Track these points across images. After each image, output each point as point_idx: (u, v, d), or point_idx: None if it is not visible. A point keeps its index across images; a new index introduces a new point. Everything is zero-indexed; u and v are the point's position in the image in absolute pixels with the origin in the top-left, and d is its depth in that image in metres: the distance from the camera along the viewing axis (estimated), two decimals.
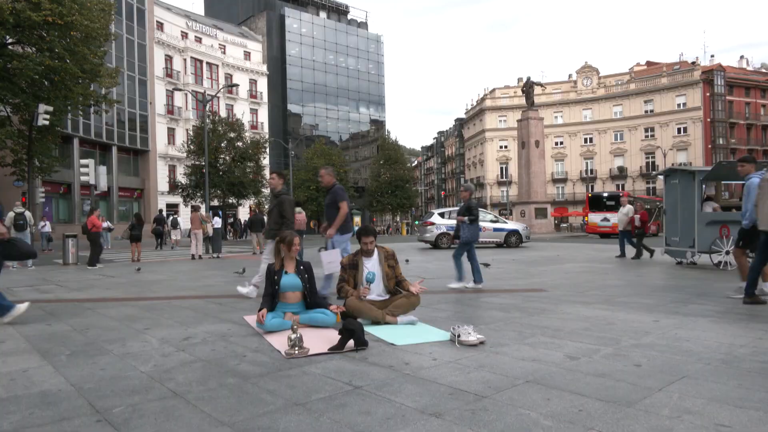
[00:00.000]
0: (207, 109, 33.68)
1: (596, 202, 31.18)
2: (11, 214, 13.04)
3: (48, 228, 23.82)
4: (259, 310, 4.63)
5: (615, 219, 19.46)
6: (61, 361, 3.71)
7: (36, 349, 4.07)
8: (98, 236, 13.51)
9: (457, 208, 22.43)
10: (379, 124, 69.58)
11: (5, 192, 29.05)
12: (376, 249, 5.27)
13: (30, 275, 10.83)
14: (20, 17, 18.17)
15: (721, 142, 57.82)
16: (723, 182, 12.51)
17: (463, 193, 8.24)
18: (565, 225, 54.87)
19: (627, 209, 13.76)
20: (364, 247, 5.21)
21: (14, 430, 2.44)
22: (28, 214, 13.42)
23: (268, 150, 45.28)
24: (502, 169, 68.30)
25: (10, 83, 19.80)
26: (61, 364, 3.60)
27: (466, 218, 7.73)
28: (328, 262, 6.11)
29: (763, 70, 65.59)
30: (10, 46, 20.56)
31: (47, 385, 3.13)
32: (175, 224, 25.40)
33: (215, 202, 37.54)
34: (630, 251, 13.41)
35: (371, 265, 5.16)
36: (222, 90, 48.49)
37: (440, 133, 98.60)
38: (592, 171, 63.44)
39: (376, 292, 5.08)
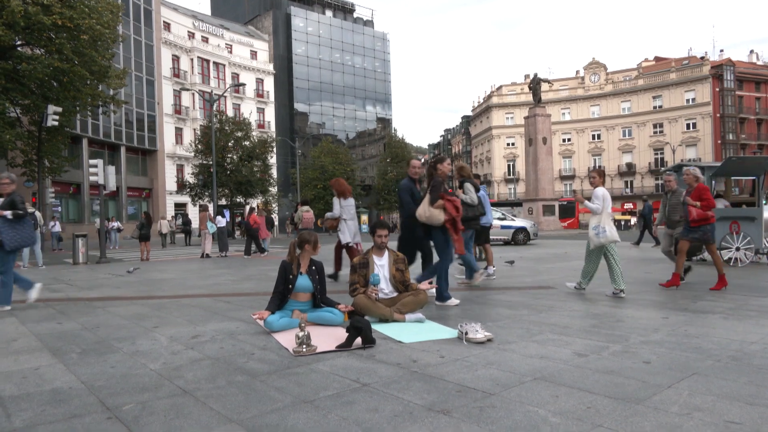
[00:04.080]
0: (214, 108, 33.82)
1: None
2: None
3: (58, 227, 24.09)
4: (269, 307, 4.65)
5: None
6: (72, 359, 3.74)
7: (47, 348, 4.11)
8: (257, 231, 16.19)
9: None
10: (385, 122, 69.52)
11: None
12: (387, 250, 5.28)
13: (41, 274, 10.93)
14: (31, 20, 18.32)
15: (731, 137, 57.29)
16: (733, 178, 12.38)
17: (8, 186, 6.36)
18: None
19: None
20: (377, 240, 5.21)
21: (26, 427, 2.47)
22: (38, 214, 13.54)
23: (275, 149, 45.38)
24: (509, 166, 68.09)
25: (20, 85, 19.99)
26: (72, 362, 3.64)
27: (8, 213, 6.15)
28: None
29: None
30: (19, 48, 20.74)
31: (58, 382, 3.17)
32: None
33: (223, 201, 37.73)
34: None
35: (381, 265, 5.17)
36: (229, 89, 48.69)
37: (447, 130, 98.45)
38: (600, 168, 63.02)
39: (383, 291, 5.10)
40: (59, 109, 19.59)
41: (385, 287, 5.12)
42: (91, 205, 36.90)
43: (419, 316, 4.80)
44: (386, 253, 5.26)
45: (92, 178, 15.02)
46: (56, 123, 19.67)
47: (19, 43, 20.47)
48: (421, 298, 5.00)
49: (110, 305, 6.34)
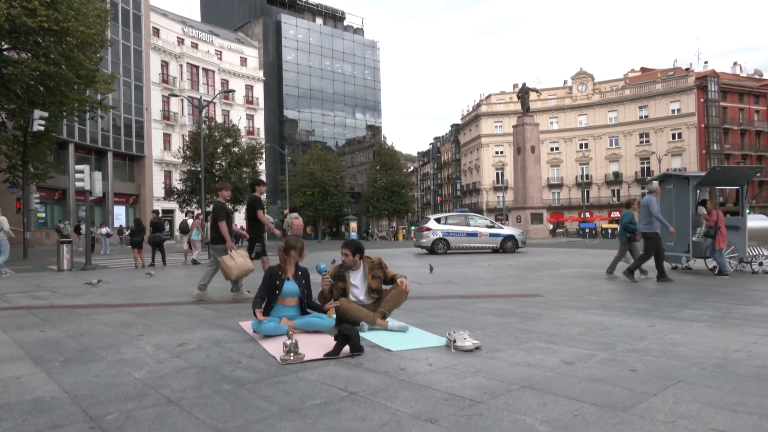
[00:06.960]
0: (203, 114, 33.66)
1: None
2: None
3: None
4: (255, 308, 4.62)
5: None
6: (55, 367, 3.68)
7: (29, 356, 4.04)
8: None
9: (453, 214, 22.19)
10: (375, 130, 69.65)
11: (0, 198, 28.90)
12: (362, 262, 5.14)
13: (24, 281, 10.76)
14: (16, 23, 18.13)
15: (715, 147, 58.23)
16: (717, 187, 12.57)
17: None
18: (561, 230, 55.02)
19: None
20: (341, 259, 5.09)
21: None
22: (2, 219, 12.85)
23: (264, 155, 45.23)
24: (498, 174, 68.52)
25: (6, 89, 19.72)
26: (54, 371, 3.58)
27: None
28: None
29: (756, 76, 66.16)
30: (5, 52, 20.51)
31: (40, 392, 3.11)
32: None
33: (211, 208, 37.47)
34: None
35: (354, 282, 5.08)
36: (218, 96, 48.49)
37: (436, 138, 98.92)
38: (587, 176, 63.73)
39: (362, 302, 5.03)
40: (45, 114, 19.34)
41: (365, 300, 5.06)
42: (77, 211, 36.45)
43: (403, 325, 4.77)
44: (361, 266, 5.14)
45: (78, 184, 14.84)
46: (42, 128, 19.41)
47: (5, 47, 20.23)
48: (401, 291, 4.96)
49: (95, 313, 6.25)
